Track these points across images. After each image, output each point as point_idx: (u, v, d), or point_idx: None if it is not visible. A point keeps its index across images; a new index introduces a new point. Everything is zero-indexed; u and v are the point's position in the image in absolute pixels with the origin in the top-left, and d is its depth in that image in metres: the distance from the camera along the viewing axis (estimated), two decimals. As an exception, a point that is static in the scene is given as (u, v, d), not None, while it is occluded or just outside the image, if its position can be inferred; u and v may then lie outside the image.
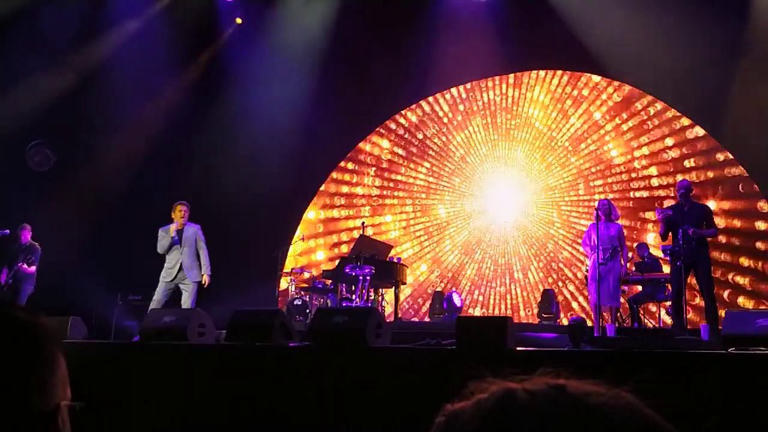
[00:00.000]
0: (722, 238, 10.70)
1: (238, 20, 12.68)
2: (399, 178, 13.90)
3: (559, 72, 12.85)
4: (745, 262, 10.80)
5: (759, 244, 10.72)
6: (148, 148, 11.61)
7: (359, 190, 13.99)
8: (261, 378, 5.13)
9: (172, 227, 8.58)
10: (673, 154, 11.78)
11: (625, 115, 12.30)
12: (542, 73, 13.03)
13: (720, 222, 10.45)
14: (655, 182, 11.89)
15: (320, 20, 12.17)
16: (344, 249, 13.06)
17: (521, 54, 12.50)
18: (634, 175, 12.19)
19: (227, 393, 5.05)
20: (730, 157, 11.07)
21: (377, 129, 14.01)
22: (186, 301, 8.50)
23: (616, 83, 12.27)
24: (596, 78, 12.49)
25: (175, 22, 11.53)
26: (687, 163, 11.58)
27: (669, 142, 11.83)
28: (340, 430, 4.43)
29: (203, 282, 8.65)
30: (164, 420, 5.08)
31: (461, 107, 13.62)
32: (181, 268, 8.53)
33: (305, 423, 4.71)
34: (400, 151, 13.94)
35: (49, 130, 11.21)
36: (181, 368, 5.42)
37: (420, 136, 13.86)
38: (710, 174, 11.27)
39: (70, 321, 6.32)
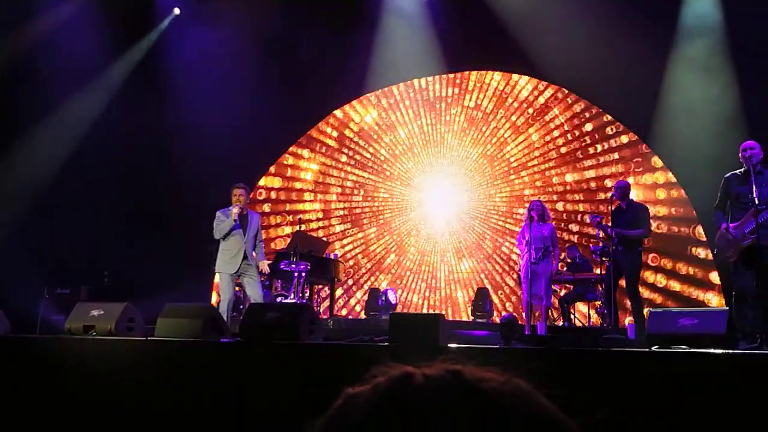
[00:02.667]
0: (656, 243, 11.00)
1: (176, 10, 12.45)
2: (333, 173, 13.86)
3: (499, 73, 12.98)
4: (668, 264, 11.09)
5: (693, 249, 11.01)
6: (80, 137, 11.31)
7: (296, 185, 13.92)
8: (191, 374, 5.06)
9: (235, 210, 7.75)
10: (602, 155, 12.02)
11: (558, 114, 12.49)
12: (481, 73, 13.14)
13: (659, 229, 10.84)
14: (593, 184, 12.10)
15: (261, 13, 12.05)
16: (281, 244, 12.97)
17: (461, 53, 12.61)
18: (565, 176, 12.40)
19: (156, 388, 4.97)
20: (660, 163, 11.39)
21: (316, 125, 13.94)
22: (255, 293, 7.81)
23: (554, 87, 12.45)
24: (532, 80, 12.67)
25: (110, 9, 11.24)
26: (615, 169, 11.82)
27: (599, 148, 12.07)
28: (269, 426, 4.40)
29: (262, 269, 8.02)
30: (90, 416, 4.97)
31: (401, 105, 13.66)
32: (245, 257, 7.78)
33: (236, 419, 4.66)
34: (337, 146, 13.90)
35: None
36: (109, 363, 5.30)
37: (355, 135, 13.83)
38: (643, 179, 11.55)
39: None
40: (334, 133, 13.96)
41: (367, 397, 0.71)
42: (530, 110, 12.69)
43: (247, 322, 5.65)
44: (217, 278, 12.00)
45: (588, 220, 9.43)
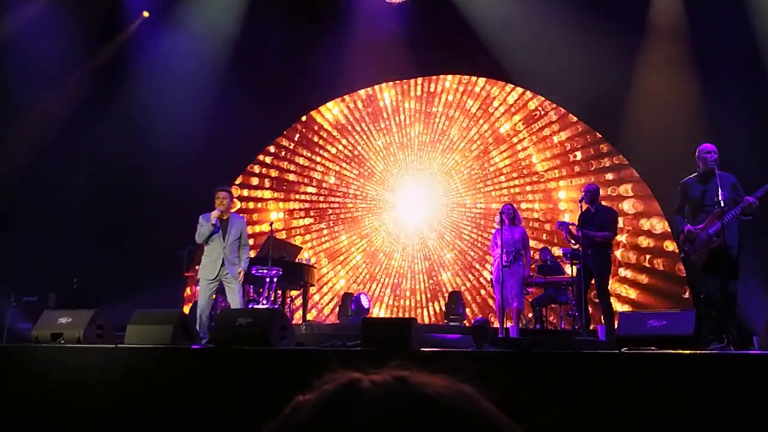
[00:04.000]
0: (626, 239, 11.11)
1: (146, 13, 12.33)
2: (307, 189, 13.84)
3: (473, 78, 13.03)
4: (640, 260, 11.21)
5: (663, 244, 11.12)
6: (46, 139, 11.13)
7: (266, 194, 13.86)
8: (162, 381, 5.01)
9: (214, 214, 7.70)
10: (579, 158, 12.09)
11: (531, 122, 12.57)
12: (454, 77, 13.20)
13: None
14: (562, 183, 12.18)
15: (230, 18, 11.99)
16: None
17: (430, 57, 12.66)
18: (535, 178, 12.42)
19: (126, 396, 4.91)
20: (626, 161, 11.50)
21: (287, 128, 13.91)
22: (234, 300, 7.70)
23: (529, 93, 12.53)
24: (506, 85, 12.73)
25: (79, 9, 11.09)
26: (590, 167, 11.92)
27: (578, 153, 12.15)
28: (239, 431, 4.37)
29: (238, 278, 7.80)
30: (58, 425, 4.89)
31: (370, 108, 13.66)
32: (223, 264, 7.65)
33: (208, 425, 4.62)
34: (308, 152, 13.87)
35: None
36: (77, 372, 5.23)
37: (328, 137, 13.81)
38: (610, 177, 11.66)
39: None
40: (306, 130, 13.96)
41: (313, 404, 0.72)
42: (519, 121, 12.68)
43: (218, 328, 5.61)
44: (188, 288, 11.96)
45: (556, 226, 9.49)
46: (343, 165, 13.75)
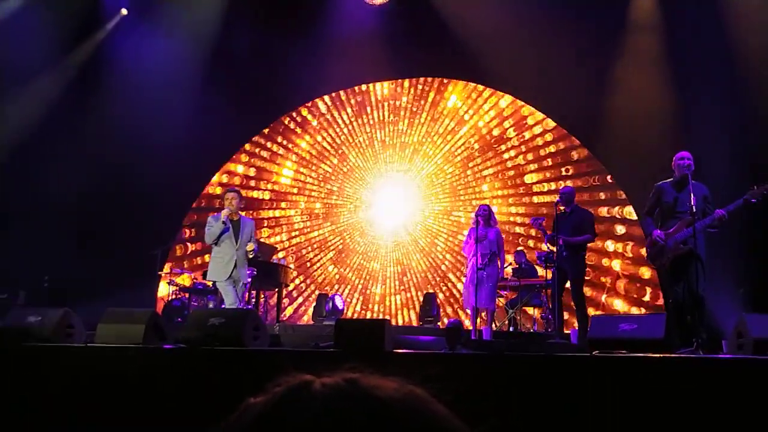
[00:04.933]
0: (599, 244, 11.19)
1: (124, 11, 12.22)
2: (290, 182, 13.78)
3: (454, 81, 13.05)
4: (616, 265, 11.29)
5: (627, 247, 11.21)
6: (21, 137, 11.00)
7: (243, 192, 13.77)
8: (133, 380, 4.96)
9: (224, 213, 7.60)
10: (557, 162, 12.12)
11: (508, 124, 12.58)
12: (434, 80, 13.21)
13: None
14: (539, 188, 12.20)
15: (209, 16, 11.92)
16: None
17: (408, 60, 12.68)
18: (519, 180, 12.41)
19: (97, 396, 4.85)
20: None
21: (265, 127, 13.85)
22: (234, 301, 7.68)
23: (509, 96, 12.54)
24: (485, 89, 12.75)
25: (55, 7, 10.97)
26: (563, 171, 11.97)
27: (553, 150, 12.16)
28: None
29: (249, 249, 7.78)
30: (26, 426, 4.83)
31: (349, 110, 13.64)
32: (236, 265, 7.62)
33: (179, 426, 4.58)
34: (289, 163, 13.82)
35: None
36: (46, 370, 5.16)
37: (309, 137, 13.77)
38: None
39: None
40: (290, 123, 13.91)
41: (263, 404, 0.73)
42: (509, 127, 12.62)
43: (190, 328, 5.57)
44: (162, 284, 11.86)
45: (529, 222, 9.54)
46: (322, 158, 13.71)
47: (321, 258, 13.42)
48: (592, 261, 11.16)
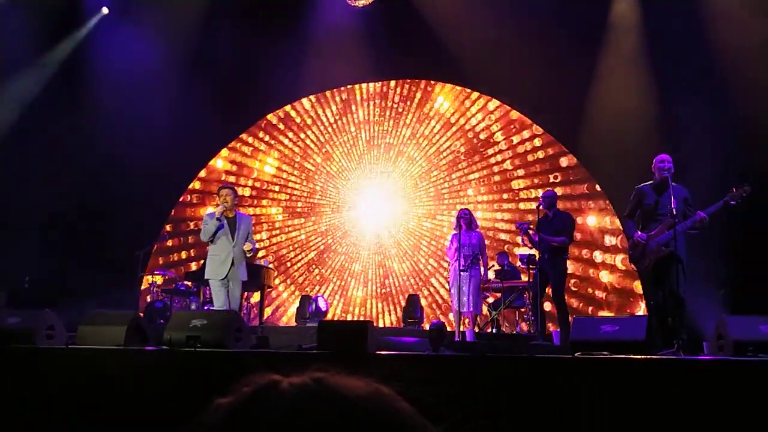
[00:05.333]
0: (579, 251, 11.21)
1: (105, 9, 12.13)
2: (272, 179, 13.72)
3: (437, 83, 13.02)
4: (593, 273, 11.33)
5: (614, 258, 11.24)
6: (1, 136, 10.90)
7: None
8: (113, 382, 4.92)
9: (218, 209, 7.43)
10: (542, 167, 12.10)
11: (496, 128, 12.55)
12: (418, 82, 13.18)
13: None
14: (524, 195, 12.17)
15: (193, 16, 11.86)
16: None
17: (391, 61, 12.67)
18: (505, 186, 12.36)
19: (78, 398, 4.81)
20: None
21: (249, 128, 13.79)
22: (235, 303, 7.51)
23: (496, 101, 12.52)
24: (474, 92, 12.72)
25: (35, 4, 10.88)
26: (552, 178, 11.93)
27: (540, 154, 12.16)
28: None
29: (246, 248, 7.56)
30: (7, 426, 4.78)
31: (333, 107, 13.58)
32: (233, 263, 7.42)
33: (158, 426, 4.55)
34: (270, 159, 13.76)
35: None
36: (26, 372, 5.11)
37: (293, 134, 13.70)
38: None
39: None
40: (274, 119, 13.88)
41: (230, 403, 0.74)
42: (497, 131, 12.53)
43: (171, 329, 5.54)
44: (145, 285, 11.78)
45: (516, 226, 9.55)
46: (305, 155, 13.67)
47: (302, 258, 13.37)
48: (578, 272, 11.20)
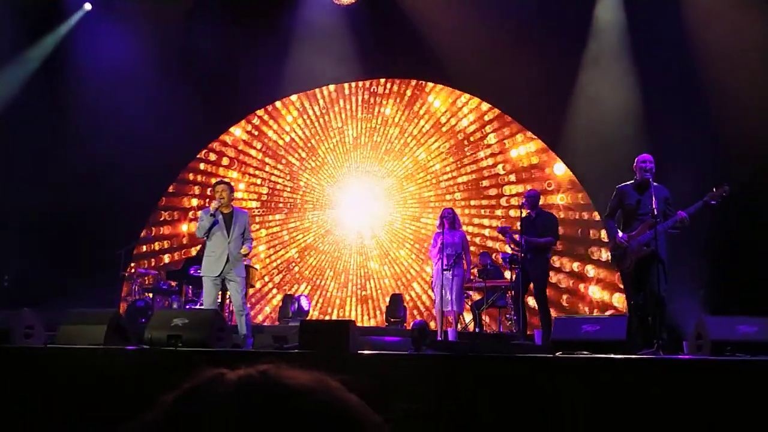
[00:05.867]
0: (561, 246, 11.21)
1: (88, 5, 12.04)
2: (254, 171, 13.65)
3: (421, 82, 12.97)
4: (577, 267, 11.34)
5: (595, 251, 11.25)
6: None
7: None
8: (93, 382, 4.88)
9: (213, 205, 7.31)
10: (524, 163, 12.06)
11: (490, 129, 12.50)
12: (403, 81, 13.13)
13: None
14: (515, 201, 11.92)
15: (177, 13, 11.80)
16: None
17: (376, 60, 12.65)
18: (496, 191, 12.21)
19: (56, 398, 4.77)
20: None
21: (233, 125, 13.72)
22: (238, 301, 7.35)
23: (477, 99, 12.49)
24: (455, 91, 12.68)
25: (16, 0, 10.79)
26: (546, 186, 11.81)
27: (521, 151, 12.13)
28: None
29: (243, 251, 7.43)
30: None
31: (321, 101, 13.50)
32: (228, 260, 7.27)
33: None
34: (253, 152, 13.69)
35: None
36: (3, 372, 5.06)
37: (274, 135, 13.64)
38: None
39: None
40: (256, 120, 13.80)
41: (174, 397, 0.76)
42: (490, 133, 12.38)
43: (152, 329, 5.51)
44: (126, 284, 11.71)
45: (497, 231, 9.55)
46: (289, 150, 13.60)
47: (283, 255, 13.30)
48: (569, 286, 11.16)
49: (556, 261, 10.94)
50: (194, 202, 13.53)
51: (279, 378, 0.75)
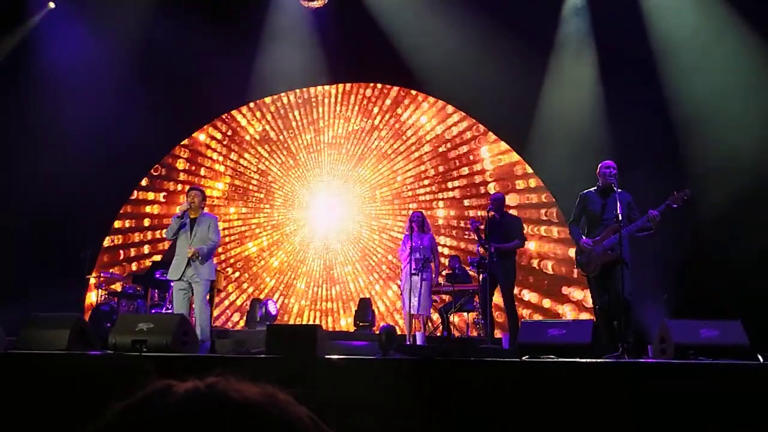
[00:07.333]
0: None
1: (51, 4, 11.84)
2: (222, 172, 13.53)
3: (390, 86, 12.96)
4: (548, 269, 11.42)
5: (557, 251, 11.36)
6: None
7: (178, 187, 13.39)
8: (56, 388, 4.80)
9: (180, 207, 7.39)
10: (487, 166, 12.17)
11: (439, 129, 12.59)
12: (371, 85, 13.10)
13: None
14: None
15: (142, 15, 11.65)
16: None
17: (344, 65, 12.63)
18: (451, 184, 12.32)
19: (16, 406, 4.68)
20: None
21: (201, 128, 13.59)
22: (197, 304, 7.32)
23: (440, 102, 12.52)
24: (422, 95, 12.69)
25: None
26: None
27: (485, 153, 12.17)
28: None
29: (194, 254, 7.29)
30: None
31: (288, 112, 13.45)
32: (189, 264, 7.28)
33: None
34: (216, 156, 13.55)
35: None
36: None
37: (248, 137, 13.51)
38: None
39: None
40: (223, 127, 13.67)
41: (120, 410, 0.75)
42: (470, 139, 12.33)
43: (117, 333, 5.43)
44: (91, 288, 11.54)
45: (469, 224, 9.58)
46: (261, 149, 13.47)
47: (242, 252, 13.14)
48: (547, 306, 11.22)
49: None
50: (156, 209, 13.34)
51: (226, 391, 0.75)
